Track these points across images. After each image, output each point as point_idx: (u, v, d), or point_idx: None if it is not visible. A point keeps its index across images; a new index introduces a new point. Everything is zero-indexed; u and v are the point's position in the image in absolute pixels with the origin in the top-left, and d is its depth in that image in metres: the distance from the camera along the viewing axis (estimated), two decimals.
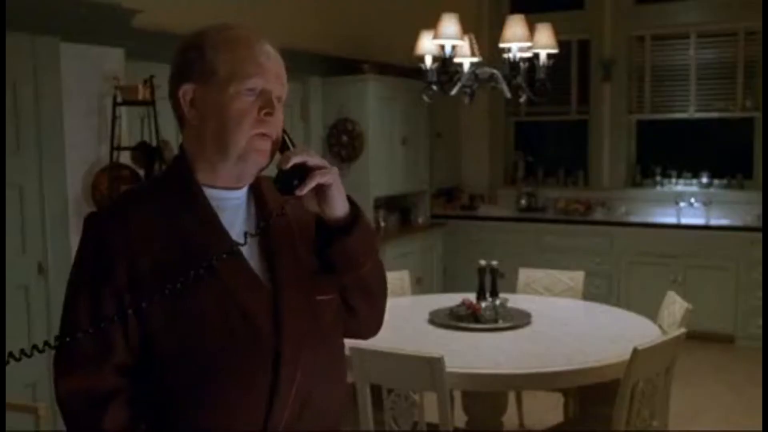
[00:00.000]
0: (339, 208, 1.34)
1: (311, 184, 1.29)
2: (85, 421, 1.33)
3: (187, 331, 1.30)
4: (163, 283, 1.27)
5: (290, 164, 1.29)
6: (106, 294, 1.31)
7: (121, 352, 1.32)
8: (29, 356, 1.17)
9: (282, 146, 1.37)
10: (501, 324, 3.38)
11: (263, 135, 1.34)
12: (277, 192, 1.33)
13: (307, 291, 1.39)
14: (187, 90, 1.35)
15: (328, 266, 1.39)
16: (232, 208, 1.39)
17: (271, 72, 1.35)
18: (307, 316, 1.38)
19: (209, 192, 1.37)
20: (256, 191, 1.43)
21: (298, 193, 1.30)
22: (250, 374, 1.31)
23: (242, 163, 1.35)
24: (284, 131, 1.38)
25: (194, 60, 1.34)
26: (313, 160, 1.31)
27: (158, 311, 1.29)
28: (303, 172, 1.30)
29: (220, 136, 1.33)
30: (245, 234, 1.32)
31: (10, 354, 1.15)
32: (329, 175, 1.31)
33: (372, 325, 1.57)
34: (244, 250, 1.34)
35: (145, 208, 1.37)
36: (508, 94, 3.90)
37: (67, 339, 1.29)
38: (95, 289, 1.32)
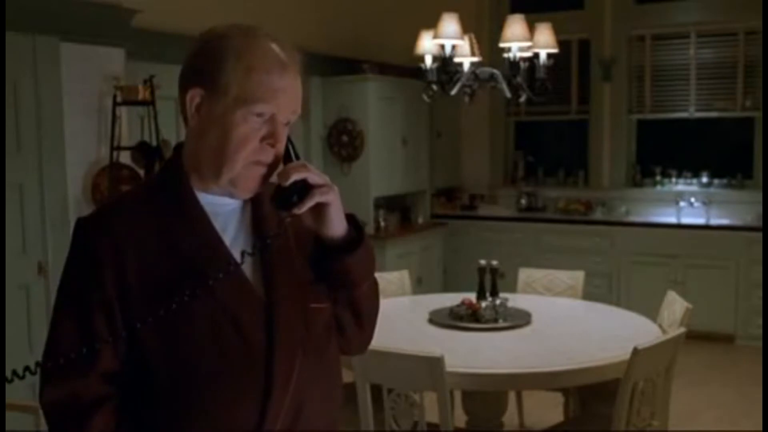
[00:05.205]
0: (336, 227, 1.30)
1: (310, 203, 1.25)
2: (70, 429, 1.29)
3: (178, 343, 1.27)
4: (152, 291, 1.25)
5: (290, 181, 1.25)
6: (92, 301, 1.27)
7: (108, 360, 1.28)
8: (21, 378, 1.16)
9: (285, 158, 1.31)
10: (501, 324, 3.38)
11: (260, 162, 1.29)
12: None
13: (301, 299, 1.35)
14: (195, 94, 1.29)
15: (323, 279, 1.35)
16: (225, 213, 1.35)
17: (284, 98, 1.29)
18: (301, 326, 1.34)
19: (202, 196, 1.33)
20: (254, 198, 1.36)
21: (297, 211, 1.25)
22: (242, 385, 1.28)
23: (232, 187, 1.31)
24: (289, 141, 1.32)
25: (211, 66, 1.28)
26: (314, 177, 1.26)
27: (148, 322, 1.25)
28: (303, 188, 1.25)
29: (217, 156, 1.28)
30: (242, 253, 1.28)
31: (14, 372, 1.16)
32: (329, 194, 1.27)
33: (357, 345, 1.53)
34: (239, 257, 1.30)
35: (135, 212, 1.33)
36: (508, 94, 3.91)
37: (53, 346, 1.28)
38: (81, 296, 1.29)
